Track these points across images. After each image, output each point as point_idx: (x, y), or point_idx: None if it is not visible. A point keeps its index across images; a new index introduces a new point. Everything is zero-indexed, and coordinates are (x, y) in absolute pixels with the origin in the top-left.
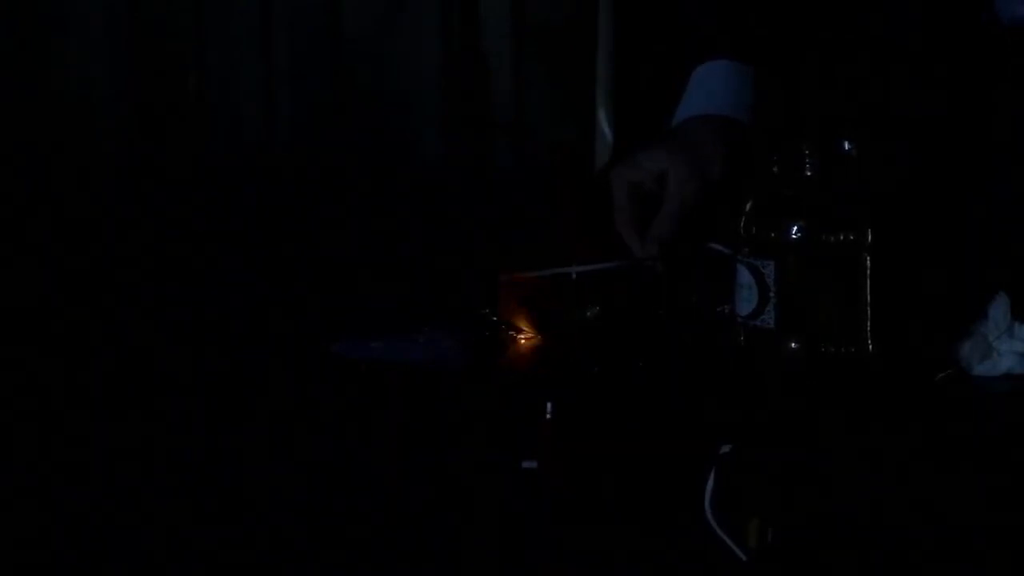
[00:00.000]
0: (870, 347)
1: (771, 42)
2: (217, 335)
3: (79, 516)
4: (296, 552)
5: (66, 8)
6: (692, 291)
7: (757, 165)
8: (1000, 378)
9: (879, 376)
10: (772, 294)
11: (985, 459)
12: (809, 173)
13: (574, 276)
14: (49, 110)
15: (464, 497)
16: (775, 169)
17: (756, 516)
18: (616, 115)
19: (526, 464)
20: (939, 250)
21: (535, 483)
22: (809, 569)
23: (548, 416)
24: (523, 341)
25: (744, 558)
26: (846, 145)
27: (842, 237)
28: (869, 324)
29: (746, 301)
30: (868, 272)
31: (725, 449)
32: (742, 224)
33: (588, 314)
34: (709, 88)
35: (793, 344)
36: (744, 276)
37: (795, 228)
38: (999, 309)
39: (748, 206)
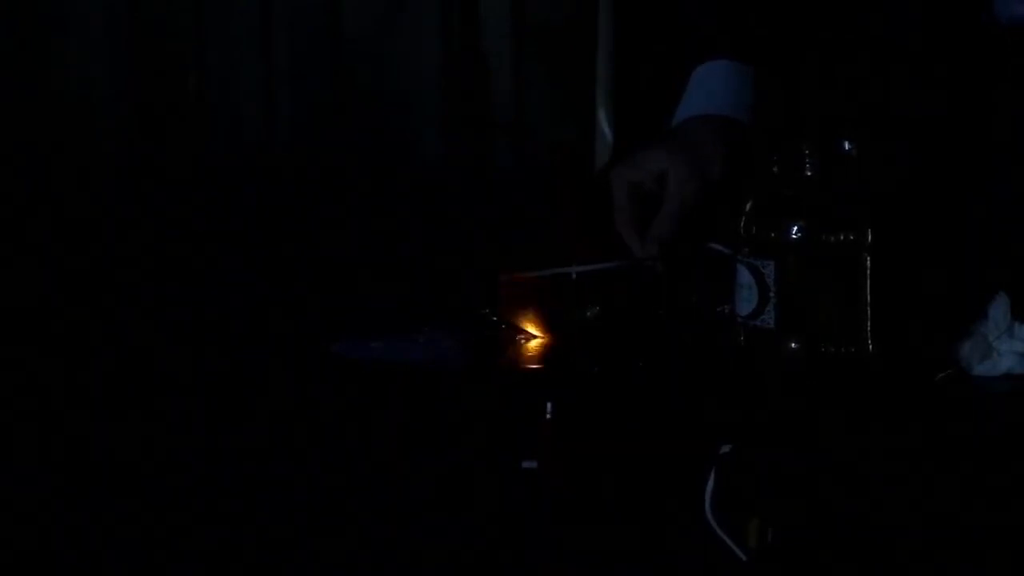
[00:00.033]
0: (870, 347)
1: (771, 42)
2: (217, 335)
3: (79, 516)
4: (296, 552)
5: (66, 8)
6: (692, 291)
7: (757, 165)
8: (1000, 378)
9: (879, 376)
10: (772, 294)
11: (985, 459)
12: (809, 173)
13: (574, 276)
14: (49, 110)
15: (464, 497)
16: (775, 169)
17: (756, 516)
18: (616, 115)
19: (526, 464)
20: (939, 250)
21: (535, 483)
22: (809, 569)
23: (548, 416)
24: (523, 341)
25: (744, 558)
26: (846, 145)
27: (842, 237)
28: (869, 324)
29: (746, 301)
30: (868, 272)
31: (725, 449)
32: (742, 224)
33: (588, 314)
34: (709, 88)
35: (793, 344)
36: (744, 276)
37: (795, 228)
38: (999, 309)
39: (748, 206)
